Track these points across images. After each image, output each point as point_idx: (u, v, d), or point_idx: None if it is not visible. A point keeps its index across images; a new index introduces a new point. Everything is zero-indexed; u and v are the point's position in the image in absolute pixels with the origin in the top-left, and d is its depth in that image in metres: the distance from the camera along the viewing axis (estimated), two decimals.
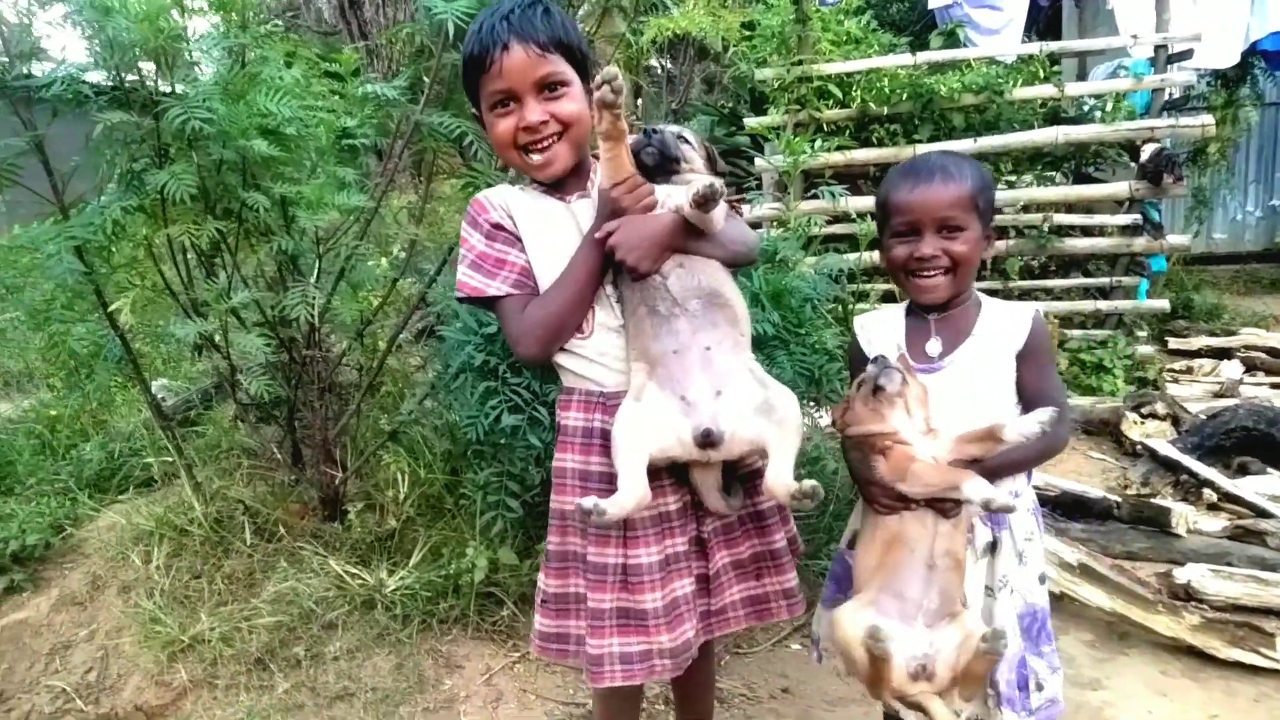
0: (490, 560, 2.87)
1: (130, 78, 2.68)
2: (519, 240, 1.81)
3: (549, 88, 1.74)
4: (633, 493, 1.63)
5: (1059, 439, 1.87)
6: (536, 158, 1.77)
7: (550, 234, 1.81)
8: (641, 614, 1.76)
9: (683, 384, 1.69)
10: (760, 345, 3.03)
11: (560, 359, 1.83)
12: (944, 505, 1.75)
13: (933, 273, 1.85)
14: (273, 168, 2.81)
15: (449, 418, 3.24)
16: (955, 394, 1.86)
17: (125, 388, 4.27)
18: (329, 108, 2.99)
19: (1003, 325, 1.88)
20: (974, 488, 1.66)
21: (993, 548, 1.91)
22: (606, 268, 1.78)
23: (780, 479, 1.65)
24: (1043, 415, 1.69)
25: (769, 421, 1.69)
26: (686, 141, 1.86)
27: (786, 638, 3.09)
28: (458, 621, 2.88)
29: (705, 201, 1.68)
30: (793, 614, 1.96)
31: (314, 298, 2.71)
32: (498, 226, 1.81)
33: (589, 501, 1.60)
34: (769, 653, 3.00)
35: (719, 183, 1.71)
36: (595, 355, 1.80)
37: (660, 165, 1.84)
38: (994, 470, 1.79)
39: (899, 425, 1.78)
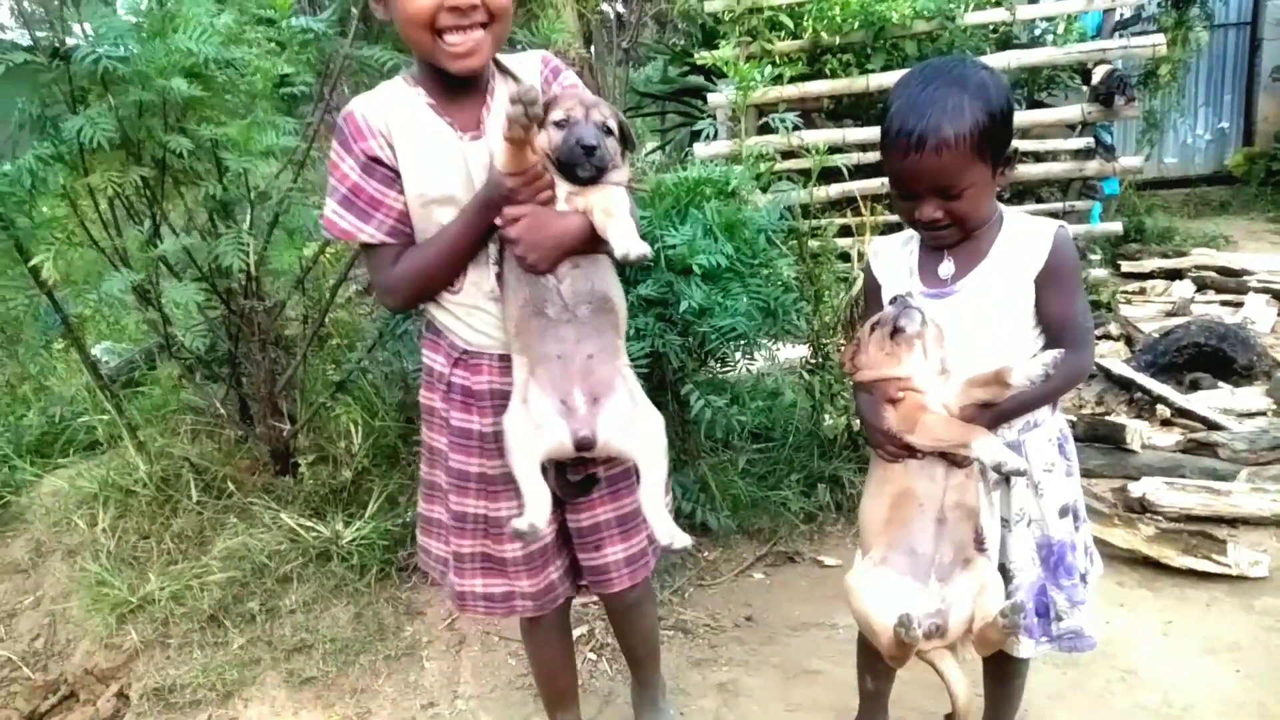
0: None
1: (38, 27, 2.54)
2: (398, 177, 1.68)
3: None
4: (540, 500, 1.65)
5: (1080, 369, 1.82)
6: (456, 40, 1.61)
7: (435, 170, 1.69)
8: (502, 561, 1.83)
9: (563, 388, 1.68)
10: (714, 278, 2.98)
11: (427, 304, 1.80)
12: (955, 455, 1.71)
13: (937, 232, 1.77)
14: (197, 110, 2.68)
15: (399, 366, 3.17)
16: (968, 319, 1.78)
17: (66, 351, 4.14)
18: (266, 51, 2.85)
19: (1021, 245, 1.76)
20: (984, 448, 1.64)
21: (1006, 479, 1.84)
22: (488, 238, 1.70)
23: (655, 515, 1.68)
24: (1047, 358, 1.65)
25: (636, 440, 1.72)
26: (610, 133, 1.70)
27: (749, 568, 3.10)
28: (417, 569, 2.84)
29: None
30: (634, 580, 1.96)
31: (248, 244, 2.61)
32: (375, 160, 1.66)
33: (523, 524, 1.61)
34: (732, 583, 3.01)
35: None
36: (463, 314, 1.76)
37: (592, 178, 1.70)
38: (1010, 411, 1.75)
39: (914, 369, 1.73)
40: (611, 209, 1.66)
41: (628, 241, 1.60)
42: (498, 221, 1.65)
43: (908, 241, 1.91)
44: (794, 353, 4.10)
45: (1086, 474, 3.63)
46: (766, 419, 3.59)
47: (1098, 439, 3.75)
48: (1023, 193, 6.06)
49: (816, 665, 2.56)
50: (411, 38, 1.65)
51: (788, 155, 4.93)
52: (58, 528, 2.88)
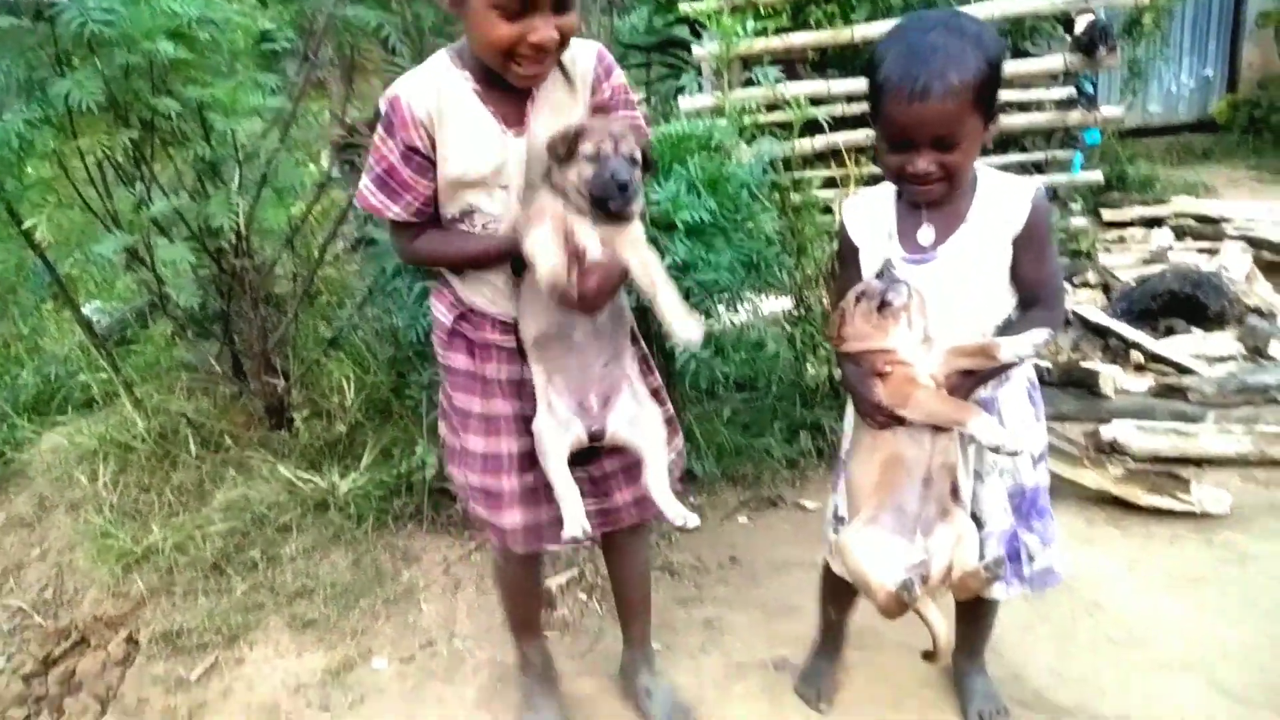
0: (441, 457, 2.91)
1: None
2: (432, 166, 1.76)
3: (561, 2, 1.64)
4: (577, 503, 1.83)
5: (1055, 326, 1.83)
6: (527, 70, 1.68)
7: (474, 157, 1.75)
8: (499, 494, 1.94)
9: (580, 393, 1.86)
10: (698, 233, 3.04)
11: None
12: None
13: (927, 185, 1.77)
14: (183, 71, 2.71)
15: (389, 322, 3.23)
16: (949, 283, 1.82)
17: (57, 312, 4.18)
18: (250, 7, 2.87)
19: (1000, 206, 1.79)
20: (982, 428, 1.69)
21: None
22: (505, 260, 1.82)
23: (663, 498, 1.86)
24: (1038, 337, 1.70)
25: (640, 432, 1.91)
26: (635, 163, 1.76)
27: (734, 512, 3.20)
28: (412, 518, 2.94)
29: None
30: (642, 516, 2.10)
31: (237, 204, 2.66)
32: (413, 149, 1.73)
33: (575, 530, 1.80)
34: (718, 527, 3.11)
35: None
36: (471, 279, 1.87)
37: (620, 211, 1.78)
38: (990, 374, 1.82)
39: (899, 340, 1.77)
40: (653, 272, 1.77)
41: (685, 326, 1.73)
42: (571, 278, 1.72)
43: (883, 201, 1.92)
44: (777, 304, 4.18)
45: (1060, 418, 3.74)
46: (750, 369, 3.67)
47: (1072, 384, 3.86)
48: (1005, 142, 6.08)
49: (798, 602, 2.67)
50: (487, 56, 1.68)
51: (772, 108, 4.95)
52: (59, 483, 2.95)
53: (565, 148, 1.72)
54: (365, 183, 1.80)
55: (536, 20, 1.60)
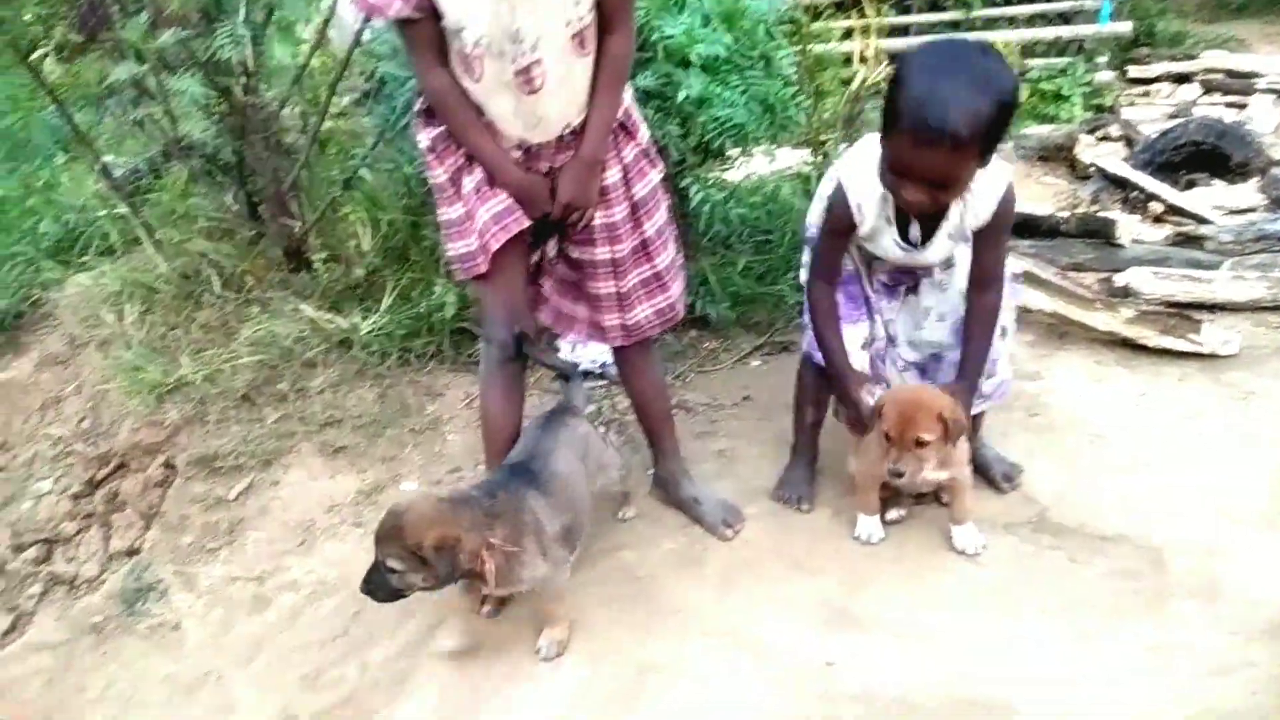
0: (460, 296, 2.95)
1: None
2: None
3: None
4: None
5: (996, 308, 2.15)
6: None
7: None
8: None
9: None
10: (713, 70, 2.98)
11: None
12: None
13: (916, 207, 1.97)
14: None
15: (402, 167, 3.21)
16: (934, 262, 2.18)
17: (68, 166, 4.16)
18: None
19: (974, 202, 1.99)
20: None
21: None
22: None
23: None
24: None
25: None
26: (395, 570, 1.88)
27: (747, 356, 3.26)
28: (434, 356, 3.01)
29: None
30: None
31: (243, 36, 2.61)
32: None
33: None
34: (730, 369, 3.18)
35: None
36: (480, 96, 1.85)
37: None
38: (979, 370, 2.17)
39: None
40: None
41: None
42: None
43: (878, 184, 2.02)
44: (793, 157, 4.13)
45: (1076, 268, 3.74)
46: (765, 216, 3.66)
47: (1089, 235, 3.83)
48: None
49: None
50: None
51: None
52: (87, 322, 3.00)
53: None
54: None
55: None
